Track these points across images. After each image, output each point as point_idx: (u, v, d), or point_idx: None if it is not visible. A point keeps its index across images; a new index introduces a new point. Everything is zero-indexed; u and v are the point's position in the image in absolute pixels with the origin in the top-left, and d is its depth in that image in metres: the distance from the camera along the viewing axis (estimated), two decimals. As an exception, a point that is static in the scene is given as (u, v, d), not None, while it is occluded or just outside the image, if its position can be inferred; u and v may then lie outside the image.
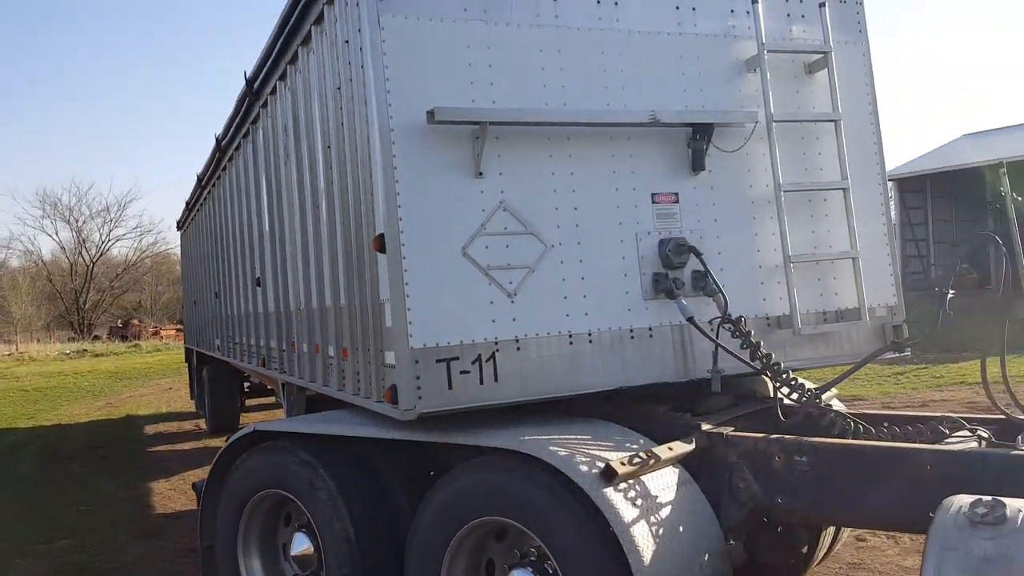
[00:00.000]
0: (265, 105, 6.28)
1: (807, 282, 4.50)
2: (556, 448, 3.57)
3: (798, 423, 4.09)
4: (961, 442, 3.67)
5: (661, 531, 3.43)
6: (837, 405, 5.14)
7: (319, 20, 4.70)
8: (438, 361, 3.76)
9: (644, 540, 3.34)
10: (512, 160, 3.97)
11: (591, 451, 3.59)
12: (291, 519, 4.80)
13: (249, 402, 12.90)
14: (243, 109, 6.88)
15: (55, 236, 63.28)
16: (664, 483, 3.63)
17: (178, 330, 38.34)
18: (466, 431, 3.86)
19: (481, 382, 3.82)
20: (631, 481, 3.50)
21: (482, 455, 3.84)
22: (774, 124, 4.37)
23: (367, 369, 4.28)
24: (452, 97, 3.84)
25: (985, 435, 3.65)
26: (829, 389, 4.15)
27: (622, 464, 3.47)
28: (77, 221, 58.13)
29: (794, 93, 4.61)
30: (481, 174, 3.89)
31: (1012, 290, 3.53)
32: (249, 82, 6.36)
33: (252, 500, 4.77)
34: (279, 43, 5.40)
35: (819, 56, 4.60)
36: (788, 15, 4.64)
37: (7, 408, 18.66)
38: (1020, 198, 3.85)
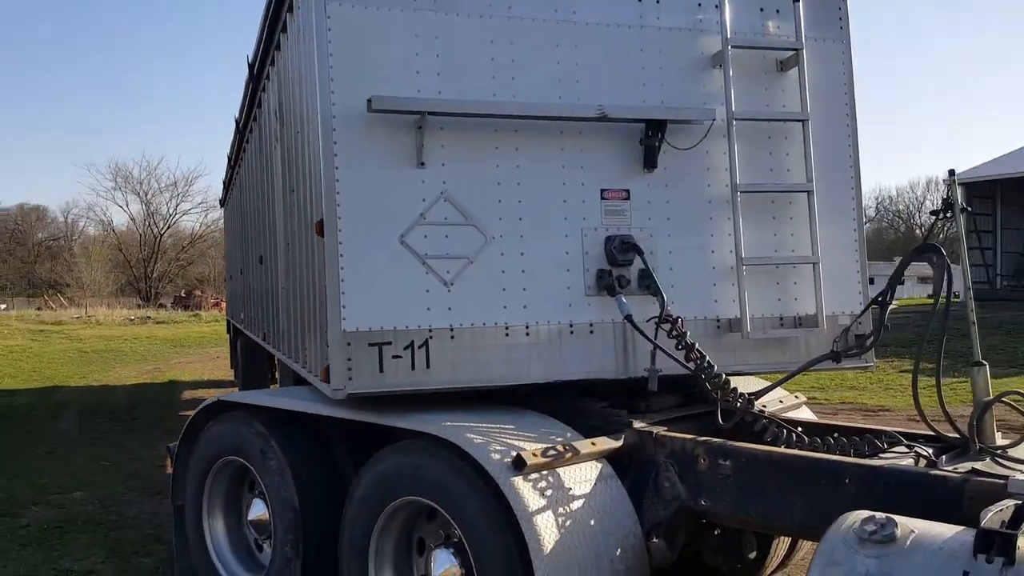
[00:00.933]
0: (263, 89, 6.45)
1: (764, 286, 4.43)
2: (473, 436, 3.62)
3: (736, 427, 4.06)
4: (895, 458, 3.60)
5: (568, 523, 3.46)
6: (805, 412, 5.09)
7: (291, 8, 4.80)
8: (370, 344, 3.84)
9: (547, 530, 3.37)
10: (456, 151, 4.01)
11: (509, 441, 3.64)
12: (254, 486, 4.97)
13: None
14: (249, 93, 7.06)
15: (126, 208, 65.58)
16: (581, 477, 3.65)
17: (230, 302, 39.35)
18: (395, 414, 3.94)
19: (413, 368, 3.89)
20: (544, 472, 3.54)
21: (411, 438, 3.92)
22: (735, 122, 4.32)
23: (313, 348, 4.39)
24: (397, 86, 3.90)
25: (924, 453, 3.57)
26: (762, 395, 4.10)
27: (534, 455, 3.50)
28: (147, 194, 60.16)
29: (763, 91, 4.53)
30: (423, 164, 3.95)
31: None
32: (250, 67, 6.53)
33: (215, 465, 4.96)
34: (266, 30, 5.53)
35: (791, 53, 4.51)
36: (762, 9, 4.55)
37: (63, 367, 19.54)
38: (968, 208, 3.73)
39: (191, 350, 24.10)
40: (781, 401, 4.92)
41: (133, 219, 61.44)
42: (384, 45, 3.92)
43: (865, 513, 2.83)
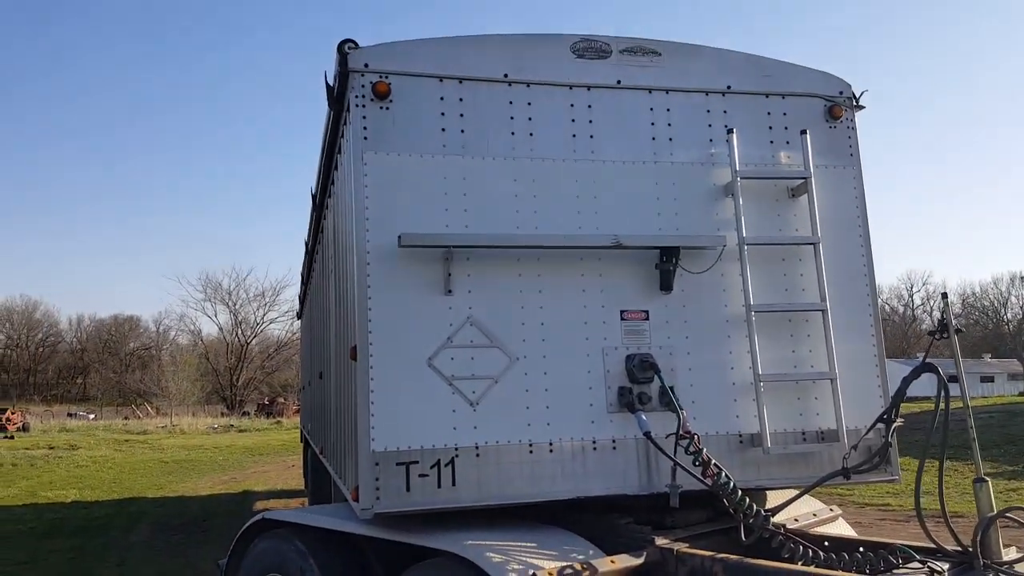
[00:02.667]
0: (324, 218, 6.97)
1: (784, 401, 4.56)
2: (493, 554, 3.79)
3: (758, 542, 4.12)
4: (907, 574, 3.63)
5: (585, 642, 3.57)
6: (841, 524, 5.10)
7: (340, 150, 5.29)
8: (398, 464, 4.09)
9: (563, 650, 3.49)
10: (481, 279, 4.33)
11: (528, 559, 3.79)
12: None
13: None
14: (314, 219, 7.62)
15: (215, 318, 68.50)
16: (600, 594, 3.77)
17: (314, 410, 40.19)
18: (422, 531, 4.14)
19: (439, 486, 4.11)
20: (561, 590, 3.67)
21: (436, 555, 4.10)
22: (746, 247, 4.54)
23: (347, 465, 4.66)
24: (426, 223, 4.28)
25: (939, 569, 3.60)
26: (778, 512, 4.16)
27: (550, 574, 3.65)
28: (235, 304, 62.78)
29: (775, 216, 4.76)
30: (450, 291, 4.27)
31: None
32: (313, 197, 7.08)
33: (262, 581, 5.18)
34: (322, 167, 6.06)
35: (801, 180, 4.75)
36: (771, 142, 4.84)
37: (142, 479, 20.19)
38: (963, 330, 3.84)
39: (268, 458, 24.64)
40: (815, 515, 4.95)
41: (221, 328, 64.17)
42: (415, 186, 4.32)
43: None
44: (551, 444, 4.29)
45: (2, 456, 26.80)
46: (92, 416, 52.57)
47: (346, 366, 4.77)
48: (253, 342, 62.68)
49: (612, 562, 3.90)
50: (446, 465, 4.13)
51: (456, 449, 4.16)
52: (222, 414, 50.97)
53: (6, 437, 37.11)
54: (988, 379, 71.70)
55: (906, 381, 3.68)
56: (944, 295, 3.70)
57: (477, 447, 4.19)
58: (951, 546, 3.67)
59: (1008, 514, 3.48)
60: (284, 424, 41.46)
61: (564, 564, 3.75)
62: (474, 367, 4.25)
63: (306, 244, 9.29)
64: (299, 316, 16.77)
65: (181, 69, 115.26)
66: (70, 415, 53.42)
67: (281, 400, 54.80)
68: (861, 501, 12.37)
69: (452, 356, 4.24)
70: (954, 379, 3.55)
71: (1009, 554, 3.57)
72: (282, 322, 73.81)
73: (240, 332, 63.39)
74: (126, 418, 49.43)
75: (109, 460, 25.04)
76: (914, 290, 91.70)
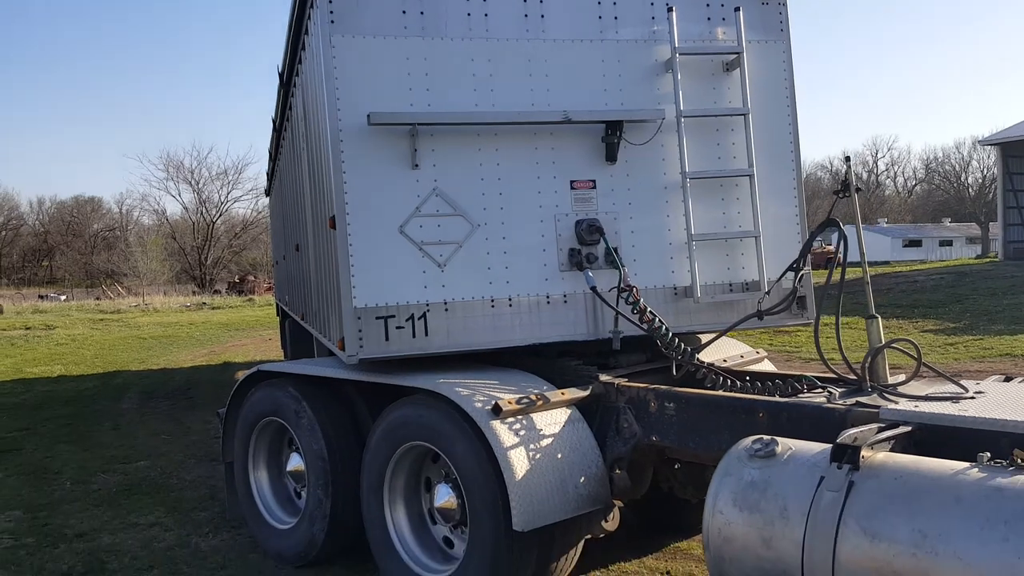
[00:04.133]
0: (292, 95, 7.29)
1: (714, 257, 5.16)
2: (461, 389, 4.44)
3: (687, 377, 4.81)
4: (809, 397, 4.32)
5: (538, 456, 4.26)
6: (767, 364, 5.82)
7: (307, 31, 5.61)
8: (377, 318, 4.67)
9: (520, 463, 4.18)
10: (444, 153, 4.80)
11: (491, 392, 4.44)
12: (292, 443, 5.87)
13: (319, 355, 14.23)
14: (281, 97, 7.93)
15: (179, 197, 67.92)
16: (551, 420, 4.45)
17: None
18: (400, 374, 4.77)
19: (413, 336, 4.72)
20: (519, 417, 4.34)
21: (414, 394, 4.75)
22: (683, 119, 5.03)
23: (333, 322, 5.24)
24: (392, 102, 4.70)
25: (833, 391, 4.29)
26: (700, 351, 4.81)
27: (509, 403, 4.31)
28: (198, 183, 62.21)
29: (711, 90, 5.23)
30: (417, 166, 4.74)
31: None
32: (280, 75, 7.39)
33: (258, 425, 5.86)
34: (289, 49, 6.37)
35: (735, 55, 5.20)
36: (708, 19, 5.24)
37: (123, 353, 20.86)
38: (861, 189, 4.41)
39: (244, 333, 25.34)
40: (742, 356, 5.67)
41: (186, 208, 63.87)
42: (380, 67, 4.71)
43: (756, 436, 3.59)
44: (510, 299, 4.88)
45: (-21, 337, 27.22)
46: (64, 297, 52.71)
47: (325, 235, 5.27)
48: (218, 221, 62.54)
49: (562, 394, 4.58)
50: (419, 319, 4.72)
51: (427, 305, 4.74)
52: (193, 293, 51.44)
53: (-21, 319, 37.39)
54: (947, 243, 73.81)
55: (812, 235, 4.28)
56: (847, 158, 4.24)
57: (445, 303, 4.77)
58: (848, 376, 4.35)
59: (893, 344, 4.14)
60: (256, 301, 42.03)
61: (521, 395, 4.41)
62: (440, 233, 4.78)
63: (274, 122, 9.58)
64: (267, 193, 17.04)
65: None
66: (41, 297, 53.53)
67: (251, 278, 55.27)
68: (808, 358, 13.31)
69: (420, 224, 4.75)
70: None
71: (897, 378, 4.26)
72: (246, 200, 73.61)
73: (205, 211, 63.20)
74: (98, 298, 49.63)
75: (88, 338, 25.60)
76: (879, 156, 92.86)
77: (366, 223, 4.67)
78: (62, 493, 7.75)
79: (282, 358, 16.93)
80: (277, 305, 17.32)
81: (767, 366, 5.79)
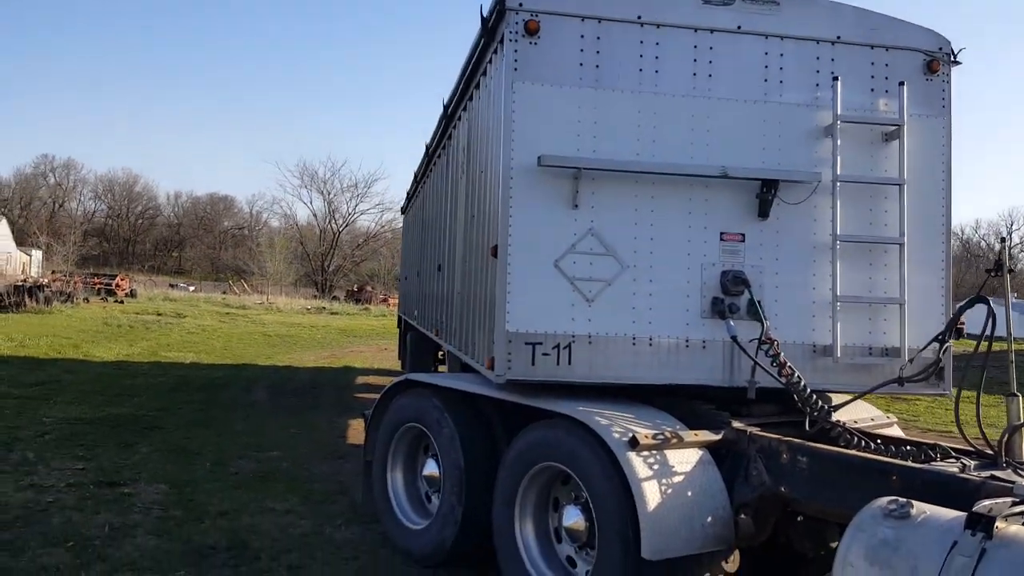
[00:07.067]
0: (454, 127, 7.79)
1: (856, 320, 5.28)
2: (601, 419, 4.71)
3: (819, 433, 4.93)
4: (942, 466, 4.40)
5: (669, 491, 4.48)
6: (895, 430, 5.87)
7: (484, 73, 6.06)
8: (526, 343, 5.01)
9: (652, 495, 4.41)
10: (603, 197, 5.12)
11: (628, 425, 4.70)
12: (428, 449, 6.26)
13: (440, 368, 14.75)
14: (441, 127, 8.45)
15: (309, 204, 71.06)
16: (683, 459, 4.66)
17: (401, 299, 42.16)
18: (542, 398, 5.09)
19: (557, 363, 5.03)
20: (653, 451, 4.57)
21: (553, 418, 5.05)
22: (839, 183, 5.20)
23: (482, 343, 5.61)
24: (561, 146, 5.05)
25: (967, 463, 4.36)
26: (838, 409, 4.93)
27: (646, 437, 4.55)
28: (329, 193, 65.02)
29: (868, 157, 5.38)
30: (577, 206, 5.08)
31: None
32: (445, 107, 7.90)
33: (400, 430, 6.29)
34: (462, 84, 6.84)
35: (894, 127, 5.34)
36: (872, 90, 5.41)
37: (251, 348, 22.05)
38: (1013, 270, 4.46)
39: (362, 341, 26.38)
40: (872, 419, 5.73)
41: (315, 215, 66.86)
42: (554, 113, 5.08)
43: (892, 497, 3.72)
44: (651, 339, 5.13)
45: (119, 318, 29.28)
46: (192, 288, 55.76)
47: (483, 261, 5.66)
48: (344, 231, 65.27)
49: (695, 435, 4.78)
50: (564, 348, 5.03)
51: (573, 336, 5.04)
52: (313, 296, 53.60)
53: (116, 301, 40.07)
54: (956, 325, 69.17)
55: (960, 309, 4.37)
56: (1003, 238, 4.32)
57: (590, 336, 5.07)
58: (983, 449, 4.40)
59: (1032, 424, 4.19)
60: (372, 311, 43.51)
61: (657, 431, 4.65)
62: (592, 271, 5.08)
63: (427, 147, 10.15)
64: (403, 211, 17.81)
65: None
66: (171, 286, 56.82)
67: (369, 288, 57.15)
68: (925, 427, 12.99)
69: (574, 260, 5.08)
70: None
71: (1031, 458, 4.29)
72: (372, 214, 76.20)
73: (333, 220, 65.94)
74: (224, 292, 52.32)
75: (216, 329, 27.16)
76: (1013, 228, 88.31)
77: (525, 254, 5.02)
78: (203, 473, 8.36)
79: (399, 368, 17.61)
80: (400, 317, 18.02)
81: (896, 431, 5.82)
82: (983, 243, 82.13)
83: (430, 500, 6.22)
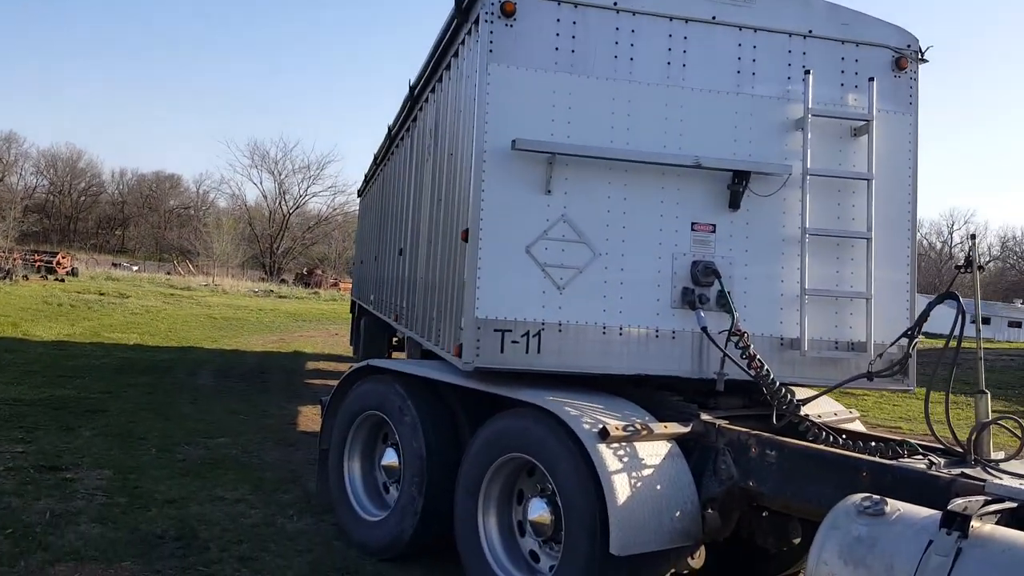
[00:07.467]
0: (421, 109, 7.63)
1: (823, 314, 5.29)
2: (570, 409, 4.63)
3: (787, 427, 4.93)
4: (910, 462, 4.41)
5: (639, 484, 4.42)
6: (857, 425, 5.90)
7: (456, 54, 5.92)
8: (495, 330, 4.90)
9: (622, 488, 4.35)
10: (576, 183, 5.03)
11: (598, 416, 4.63)
12: (387, 438, 6.12)
13: (394, 354, 14.57)
14: (406, 109, 8.27)
15: (259, 185, 69.95)
16: (653, 451, 4.61)
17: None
18: (510, 387, 4.99)
19: (527, 351, 4.94)
20: (623, 443, 4.51)
21: (520, 407, 4.96)
22: (808, 177, 5.19)
23: (448, 329, 5.50)
24: (535, 131, 4.95)
25: (934, 460, 4.38)
26: (807, 403, 4.93)
27: (616, 428, 4.48)
28: (280, 174, 63.94)
29: (837, 152, 5.38)
30: (549, 191, 4.98)
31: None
32: (411, 88, 7.72)
33: (359, 417, 6.14)
34: (430, 65, 6.69)
35: (864, 122, 5.34)
36: (842, 84, 5.40)
37: (196, 330, 21.58)
38: (983, 267, 4.50)
39: (311, 325, 26.00)
40: (836, 414, 5.75)
41: (265, 196, 65.69)
42: (528, 97, 4.97)
43: (866, 494, 3.71)
44: (621, 329, 5.07)
45: (59, 297, 28.44)
46: (136, 268, 54.45)
47: (450, 245, 5.54)
48: (295, 213, 64.26)
49: (665, 427, 4.74)
50: (534, 335, 4.94)
51: (543, 323, 4.96)
52: (261, 279, 52.75)
53: (57, 279, 38.92)
54: (1016, 324, 71.75)
55: (931, 305, 4.38)
56: (973, 236, 4.35)
57: (560, 324, 4.99)
58: (951, 447, 4.43)
59: (999, 421, 4.22)
60: (322, 295, 42.98)
61: (627, 423, 4.59)
62: (563, 258, 5.00)
63: (389, 129, 9.95)
64: (360, 194, 17.53)
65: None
66: (114, 265, 55.41)
67: (319, 272, 56.43)
68: (874, 423, 13.22)
69: (546, 247, 4.98)
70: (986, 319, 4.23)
71: (998, 455, 4.33)
72: (323, 196, 75.30)
73: (283, 202, 64.91)
74: (168, 273, 51.20)
75: (161, 311, 26.52)
76: (954, 227, 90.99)
77: (497, 239, 4.91)
78: (149, 459, 8.09)
79: (351, 354, 17.38)
80: (354, 302, 17.77)
81: (858, 426, 5.86)
82: (925, 241, 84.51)
83: (388, 491, 6.09)
